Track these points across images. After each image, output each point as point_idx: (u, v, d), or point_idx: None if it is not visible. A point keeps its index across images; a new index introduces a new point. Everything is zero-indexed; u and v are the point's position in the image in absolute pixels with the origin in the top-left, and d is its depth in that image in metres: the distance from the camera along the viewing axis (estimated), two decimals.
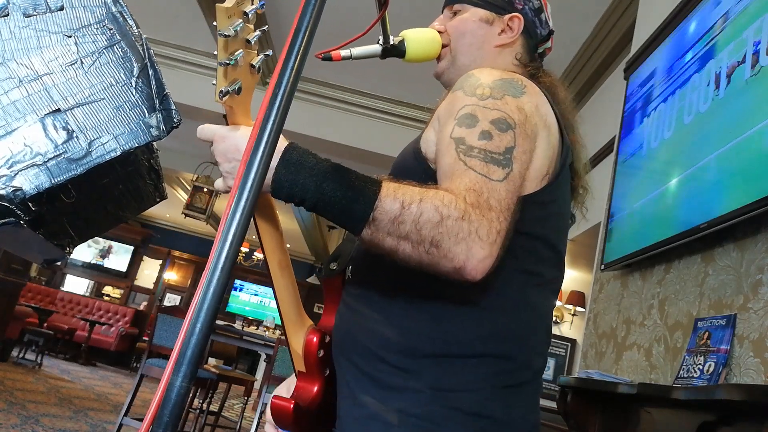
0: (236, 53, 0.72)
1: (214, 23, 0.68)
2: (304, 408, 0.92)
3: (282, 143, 0.77)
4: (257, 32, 0.73)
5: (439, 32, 1.05)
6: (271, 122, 0.47)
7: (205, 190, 6.86)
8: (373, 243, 0.77)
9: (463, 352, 0.83)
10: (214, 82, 0.74)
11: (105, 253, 11.30)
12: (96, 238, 10.36)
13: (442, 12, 1.10)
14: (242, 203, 0.44)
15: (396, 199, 0.74)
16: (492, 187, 0.77)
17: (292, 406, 0.90)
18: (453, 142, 0.82)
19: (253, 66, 0.76)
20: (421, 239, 0.73)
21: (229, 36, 0.69)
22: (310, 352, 0.92)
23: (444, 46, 1.05)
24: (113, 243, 11.23)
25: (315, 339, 0.92)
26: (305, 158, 0.76)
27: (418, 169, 0.91)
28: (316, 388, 0.92)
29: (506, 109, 0.83)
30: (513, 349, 0.86)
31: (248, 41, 0.73)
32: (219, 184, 0.85)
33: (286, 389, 1.02)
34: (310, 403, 0.91)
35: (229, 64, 0.71)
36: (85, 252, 11.10)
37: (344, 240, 1.01)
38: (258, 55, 0.76)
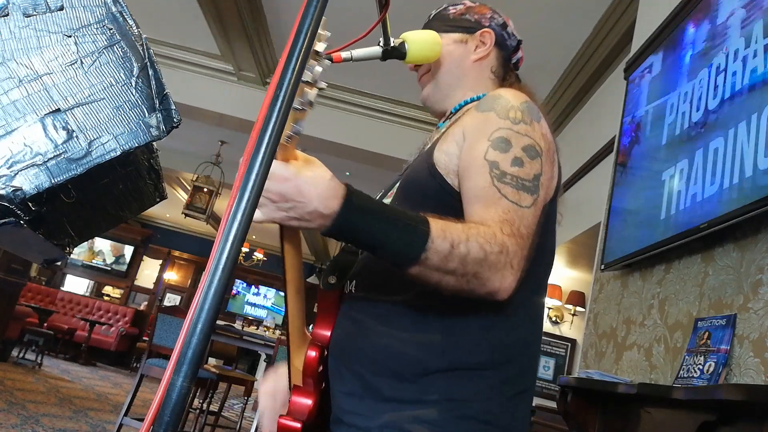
0: (307, 95, 0.69)
1: None
2: (308, 426, 0.93)
3: (340, 187, 0.77)
4: (319, 68, 0.71)
5: (418, 64, 1.11)
6: (272, 124, 0.47)
7: (205, 190, 6.85)
8: (419, 277, 0.81)
9: (474, 363, 0.88)
10: None
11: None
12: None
13: None
14: (243, 203, 0.44)
15: (446, 239, 0.78)
16: (522, 215, 0.84)
17: (300, 426, 0.91)
18: (487, 164, 0.87)
19: (310, 102, 0.73)
20: (465, 273, 0.79)
21: (307, 81, 0.67)
22: (311, 366, 0.94)
23: (425, 72, 1.11)
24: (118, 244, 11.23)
25: (315, 354, 0.94)
26: (365, 203, 0.79)
27: (433, 185, 0.93)
28: (311, 402, 0.94)
29: (534, 136, 0.90)
30: (519, 358, 0.91)
31: (313, 81, 0.71)
32: (259, 215, 0.79)
33: (272, 382, 1.07)
34: (306, 417, 0.93)
35: (304, 110, 0.69)
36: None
37: (341, 251, 1.02)
38: (313, 89, 0.73)
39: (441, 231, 0.78)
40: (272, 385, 1.07)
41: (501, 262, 0.79)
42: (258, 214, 0.78)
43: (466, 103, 1.08)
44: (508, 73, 1.13)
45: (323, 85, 0.71)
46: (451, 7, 1.13)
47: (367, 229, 0.77)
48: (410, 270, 0.79)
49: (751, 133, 1.65)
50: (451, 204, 0.90)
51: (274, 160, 0.76)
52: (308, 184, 0.75)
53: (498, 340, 0.89)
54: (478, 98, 1.07)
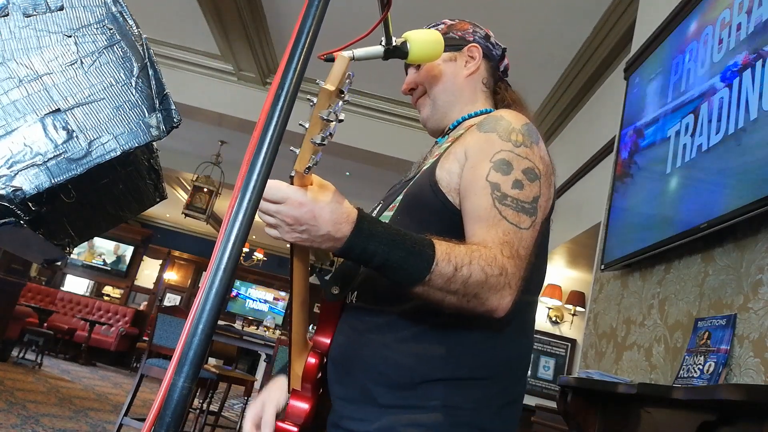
0: (328, 129, 0.72)
1: (309, 99, 0.69)
2: (304, 430, 0.95)
3: (351, 212, 0.81)
4: (340, 103, 0.73)
5: (412, 88, 1.15)
6: (273, 124, 0.46)
7: (205, 190, 6.85)
8: (422, 296, 0.84)
9: (473, 375, 0.91)
10: (293, 148, 0.73)
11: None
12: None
13: (407, 72, 1.18)
14: (245, 203, 0.44)
15: (450, 262, 0.82)
16: (521, 237, 0.88)
17: (296, 430, 0.94)
18: (489, 186, 0.90)
19: (331, 134, 0.76)
20: (466, 293, 0.83)
21: (330, 121, 0.69)
22: (311, 373, 0.96)
23: (421, 95, 1.14)
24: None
25: (315, 361, 0.97)
26: (374, 227, 0.82)
27: (435, 203, 0.96)
28: (308, 407, 0.97)
29: (534, 159, 0.94)
30: (514, 368, 0.95)
31: (340, 120, 0.73)
32: (273, 232, 0.83)
33: (258, 409, 1.05)
34: (303, 421, 0.96)
35: (323, 144, 0.71)
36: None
37: (345, 261, 1.03)
38: (333, 124, 0.75)
39: (445, 254, 0.82)
40: (257, 413, 1.05)
41: (500, 283, 0.83)
42: (273, 234, 0.82)
43: (464, 119, 1.11)
44: (497, 83, 1.17)
45: (342, 116, 0.74)
46: (433, 29, 1.14)
47: (376, 251, 0.81)
48: (414, 290, 0.83)
49: (756, 79, 1.68)
50: (453, 221, 0.93)
51: (290, 186, 0.78)
52: (322, 210, 0.79)
53: (495, 352, 0.93)
54: (476, 114, 1.11)
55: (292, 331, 0.95)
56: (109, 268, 11.26)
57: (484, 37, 1.15)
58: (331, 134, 0.74)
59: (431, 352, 0.91)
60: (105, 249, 11.29)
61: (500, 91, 1.15)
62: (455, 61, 1.13)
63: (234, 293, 11.97)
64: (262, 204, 0.81)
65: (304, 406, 0.96)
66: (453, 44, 1.13)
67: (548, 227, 1.01)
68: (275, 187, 0.80)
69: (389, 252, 0.81)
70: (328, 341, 0.99)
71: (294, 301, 0.92)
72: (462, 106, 1.12)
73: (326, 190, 0.81)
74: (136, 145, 0.95)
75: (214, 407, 4.94)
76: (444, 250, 0.82)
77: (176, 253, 12.12)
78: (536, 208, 0.91)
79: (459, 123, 1.11)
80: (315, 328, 1.02)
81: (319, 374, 0.98)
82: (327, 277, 1.02)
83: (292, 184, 0.80)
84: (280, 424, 0.95)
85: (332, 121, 0.70)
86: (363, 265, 0.84)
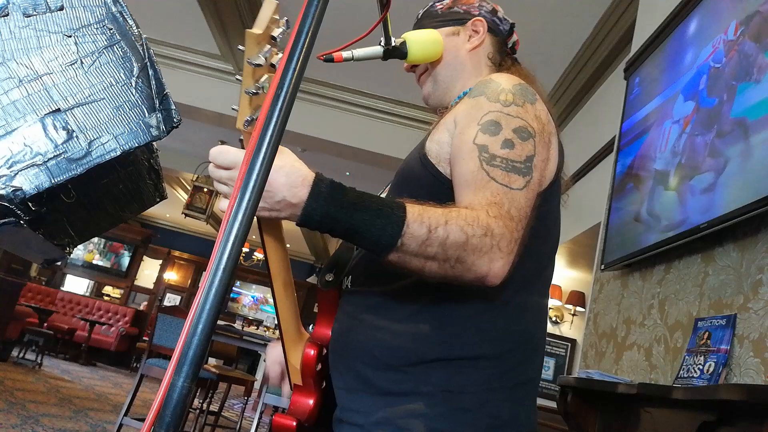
0: (262, 80, 0.69)
1: (240, 47, 0.66)
2: (305, 424, 0.92)
3: (308, 175, 0.76)
4: (267, 47, 0.70)
5: (414, 65, 1.11)
6: (273, 124, 0.47)
7: (205, 190, 6.86)
8: (399, 264, 0.79)
9: (469, 353, 0.85)
10: (234, 107, 0.71)
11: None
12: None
13: None
14: (245, 202, 0.44)
15: (422, 223, 0.76)
16: (512, 197, 0.81)
17: (294, 423, 0.90)
18: (476, 148, 0.85)
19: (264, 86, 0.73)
20: (447, 258, 0.77)
21: (259, 65, 0.66)
22: (309, 365, 0.92)
23: (423, 71, 1.10)
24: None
25: (313, 352, 0.92)
26: (334, 190, 0.76)
27: (426, 175, 0.92)
28: (312, 401, 0.92)
29: (527, 117, 0.88)
30: (517, 348, 0.89)
31: (273, 66, 0.70)
32: (226, 203, 0.77)
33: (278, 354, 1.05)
34: (308, 417, 0.92)
35: (257, 93, 0.69)
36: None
37: (339, 248, 1.01)
38: (267, 73, 0.73)
39: (418, 215, 0.76)
40: (279, 353, 1.05)
41: (486, 245, 0.76)
42: (226, 204, 0.76)
43: (465, 93, 1.05)
44: (504, 58, 1.12)
45: (275, 60, 0.71)
46: (437, 3, 1.12)
47: (339, 216, 0.75)
48: (389, 257, 0.77)
49: None
50: (444, 193, 0.88)
51: (239, 150, 0.75)
52: (276, 173, 0.74)
53: (491, 330, 0.87)
54: None
55: (280, 319, 0.89)
56: (109, 268, 11.25)
57: (491, 12, 1.11)
58: (263, 88, 0.70)
59: (424, 331, 0.85)
60: (104, 248, 11.30)
61: (506, 65, 1.11)
62: (458, 35, 1.08)
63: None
64: (213, 171, 0.77)
65: (307, 401, 0.92)
66: (456, 18, 1.09)
67: (554, 193, 0.95)
68: (223, 151, 0.75)
69: (353, 215, 0.75)
70: (329, 332, 0.95)
71: (274, 282, 0.85)
72: (464, 81, 1.07)
73: (281, 154, 0.75)
74: (136, 145, 0.95)
75: (214, 407, 4.94)
76: (416, 211, 0.76)
77: (176, 253, 12.13)
78: (530, 167, 0.84)
79: (461, 98, 1.05)
80: (315, 321, 0.98)
81: (319, 366, 0.93)
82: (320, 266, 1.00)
83: (243, 148, 0.75)
84: (277, 418, 0.91)
85: (261, 65, 0.66)
86: (330, 233, 0.78)
